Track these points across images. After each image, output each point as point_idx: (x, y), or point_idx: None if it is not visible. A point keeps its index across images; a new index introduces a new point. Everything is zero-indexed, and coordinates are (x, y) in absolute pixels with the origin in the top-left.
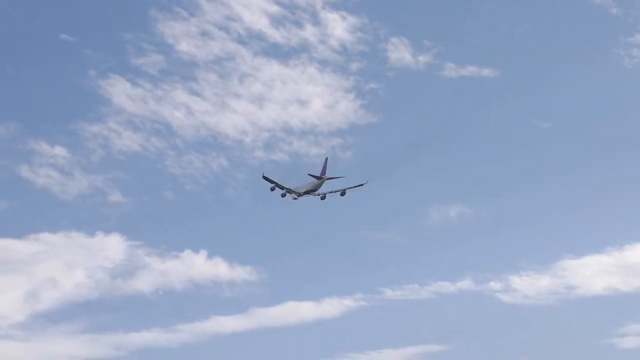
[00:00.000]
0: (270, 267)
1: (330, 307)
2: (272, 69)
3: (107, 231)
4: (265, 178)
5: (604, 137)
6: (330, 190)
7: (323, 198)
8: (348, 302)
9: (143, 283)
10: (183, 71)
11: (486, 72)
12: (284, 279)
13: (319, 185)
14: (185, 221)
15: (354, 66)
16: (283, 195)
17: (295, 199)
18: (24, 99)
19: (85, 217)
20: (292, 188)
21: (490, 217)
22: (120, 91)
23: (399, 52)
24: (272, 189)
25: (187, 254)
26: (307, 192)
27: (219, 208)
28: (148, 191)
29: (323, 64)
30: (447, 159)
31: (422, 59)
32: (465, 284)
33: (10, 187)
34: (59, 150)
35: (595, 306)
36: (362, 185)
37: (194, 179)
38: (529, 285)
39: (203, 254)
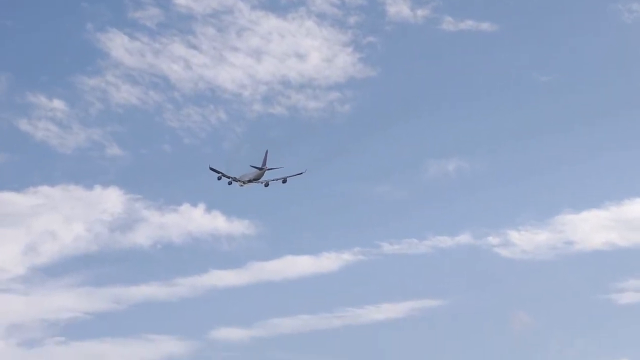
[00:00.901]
0: (268, 221)
1: (329, 261)
2: (270, 22)
3: (106, 184)
4: (211, 169)
5: (603, 92)
6: (272, 178)
7: (267, 185)
8: (346, 256)
9: (141, 237)
10: (181, 25)
11: (485, 26)
12: (282, 233)
13: (261, 175)
14: (184, 175)
15: (352, 20)
16: (229, 184)
17: (241, 186)
18: (22, 52)
19: (84, 171)
20: (237, 177)
21: (488, 171)
22: (118, 45)
23: (397, 6)
24: (219, 178)
25: (185, 207)
26: (250, 181)
27: (217, 162)
28: (146, 144)
29: (321, 17)
30: (444, 113)
31: (420, 12)
32: (464, 238)
33: (9, 141)
34: (57, 104)
35: (594, 261)
36: (301, 174)
37: (192, 133)
38: (527, 240)
39: (201, 207)
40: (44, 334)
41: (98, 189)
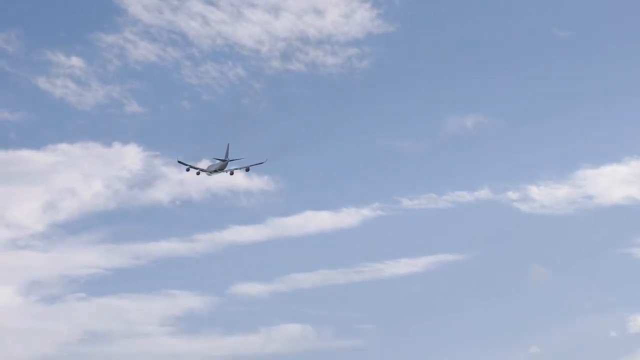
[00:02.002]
0: (287, 177)
1: (348, 217)
2: None
3: (124, 141)
4: (179, 162)
5: (622, 47)
6: (236, 167)
7: (232, 174)
8: (366, 212)
9: (160, 193)
10: None
11: None
12: (301, 188)
13: (225, 165)
14: (203, 131)
15: None
16: (198, 174)
17: (209, 175)
18: (40, 10)
19: (102, 128)
20: (204, 168)
21: (507, 127)
22: (135, 1)
23: None
24: (188, 170)
25: (204, 163)
26: (216, 171)
27: (236, 116)
28: (165, 101)
29: None
30: (463, 68)
31: None
32: (483, 193)
33: (28, 98)
34: (75, 61)
35: (613, 216)
36: (262, 163)
37: (210, 89)
38: (547, 195)
39: None
40: (64, 290)
41: (117, 146)
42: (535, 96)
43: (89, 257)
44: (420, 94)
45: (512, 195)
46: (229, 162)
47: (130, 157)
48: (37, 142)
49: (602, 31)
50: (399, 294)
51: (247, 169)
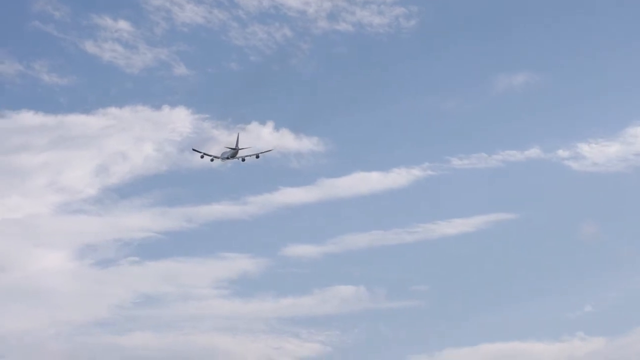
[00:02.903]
0: (337, 137)
1: (399, 177)
2: None
3: (173, 104)
4: (194, 150)
5: None
6: (247, 154)
7: (243, 160)
8: (416, 172)
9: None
10: None
11: None
12: (351, 149)
13: (236, 153)
14: (251, 93)
15: None
16: (212, 160)
17: (222, 162)
18: None
19: (151, 91)
20: (217, 155)
21: (557, 84)
22: None
23: None
24: (202, 157)
25: (253, 126)
26: (228, 158)
27: (284, 79)
28: (213, 63)
29: None
30: (511, 26)
31: None
32: (534, 152)
33: (76, 63)
34: (123, 24)
35: None
36: (270, 150)
37: (258, 50)
38: (597, 153)
39: (270, 125)
40: (117, 254)
41: (166, 109)
42: (585, 52)
43: (141, 221)
44: (468, 52)
45: (562, 153)
46: (239, 150)
47: (180, 119)
48: (86, 106)
49: None
50: (451, 254)
51: (257, 156)
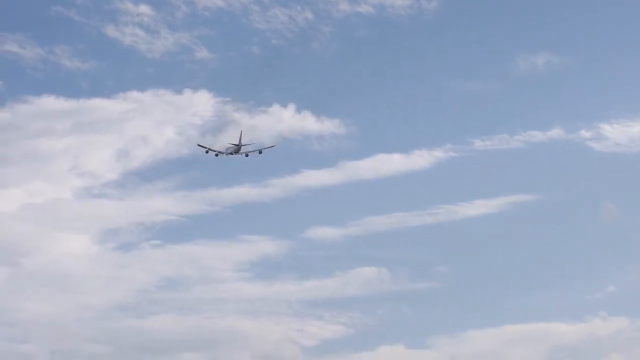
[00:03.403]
0: (358, 119)
1: (420, 159)
2: None
3: (195, 88)
4: (199, 145)
5: None
6: (250, 150)
7: (247, 155)
8: (438, 154)
9: (233, 139)
10: None
11: None
12: (373, 131)
13: (238, 149)
14: (273, 76)
15: None
16: (216, 155)
17: (226, 157)
18: None
19: (173, 75)
20: (222, 151)
21: (578, 65)
22: None
23: None
24: (207, 152)
25: (275, 108)
26: (231, 153)
27: (306, 62)
28: (234, 47)
29: None
30: (533, 5)
31: None
32: (556, 132)
33: (98, 47)
34: (144, 9)
35: None
36: (273, 146)
37: (279, 33)
38: (620, 133)
39: (291, 108)
40: (139, 238)
41: (188, 93)
42: (606, 33)
43: (163, 204)
44: (490, 34)
45: (584, 134)
46: (242, 146)
47: (201, 103)
48: (107, 90)
49: None
50: (473, 236)
51: (260, 152)
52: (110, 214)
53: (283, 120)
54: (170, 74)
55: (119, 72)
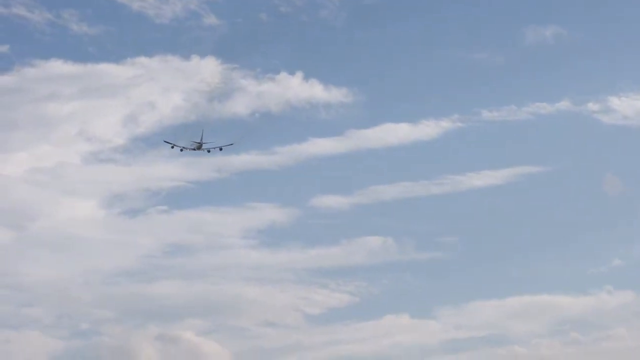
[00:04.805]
0: (366, 88)
1: (427, 129)
2: None
3: (203, 54)
4: (165, 141)
5: None
6: (212, 147)
7: (209, 151)
8: (445, 124)
9: (239, 106)
10: None
11: None
12: (380, 100)
13: (200, 147)
14: (281, 43)
15: None
16: (181, 150)
17: (192, 151)
18: None
19: (181, 41)
20: (186, 146)
21: (587, 37)
22: None
23: None
24: (172, 147)
25: (282, 76)
26: (194, 149)
27: (314, 29)
28: (242, 13)
29: None
30: None
31: None
32: (563, 104)
33: (105, 12)
34: None
35: None
36: (232, 144)
37: (288, 1)
38: (628, 106)
39: (299, 75)
40: (146, 204)
41: (195, 59)
42: (615, 5)
43: (170, 170)
44: (499, 5)
45: (592, 106)
46: (203, 144)
47: (209, 69)
48: (115, 55)
49: None
50: (479, 207)
51: (221, 149)
52: (116, 179)
53: (290, 87)
54: (178, 40)
55: (126, 37)
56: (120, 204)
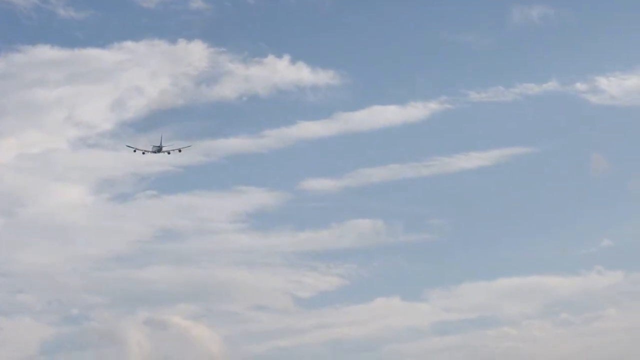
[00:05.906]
0: (353, 71)
1: (415, 111)
2: None
3: (190, 38)
4: (127, 146)
5: None
6: (171, 149)
7: (169, 153)
8: (433, 105)
9: (227, 89)
10: None
11: None
12: (368, 83)
13: (160, 150)
14: (268, 27)
15: None
16: (143, 153)
17: (152, 154)
18: None
19: (167, 25)
20: (147, 149)
21: (574, 18)
22: None
23: None
24: (134, 151)
25: (270, 59)
26: (154, 152)
27: (301, 12)
28: None
29: None
30: None
31: None
32: (551, 85)
33: None
34: None
35: None
36: (190, 146)
37: None
38: (616, 86)
39: (286, 59)
40: (135, 189)
41: (182, 43)
42: None
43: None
44: None
45: (580, 87)
46: (163, 147)
47: (196, 53)
48: (102, 40)
49: None
50: (468, 188)
51: (180, 150)
52: (105, 165)
53: (278, 71)
54: (165, 24)
55: (113, 21)
56: (109, 190)
